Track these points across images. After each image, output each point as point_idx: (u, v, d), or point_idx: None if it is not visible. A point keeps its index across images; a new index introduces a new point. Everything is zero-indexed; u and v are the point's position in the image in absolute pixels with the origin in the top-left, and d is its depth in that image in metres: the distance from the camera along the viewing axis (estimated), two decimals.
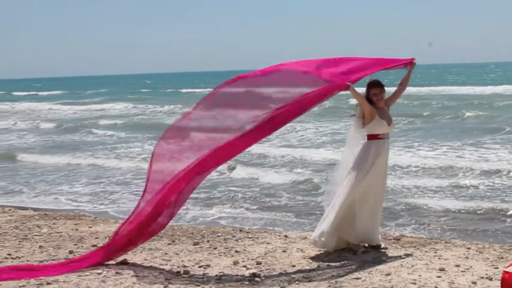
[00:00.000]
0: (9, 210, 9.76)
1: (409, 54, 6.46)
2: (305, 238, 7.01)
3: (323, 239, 6.19)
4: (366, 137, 6.28)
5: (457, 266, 5.67)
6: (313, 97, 5.87)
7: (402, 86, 6.44)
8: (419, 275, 5.37)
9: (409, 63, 6.32)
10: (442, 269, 5.54)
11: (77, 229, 7.83)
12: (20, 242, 7.03)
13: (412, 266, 5.68)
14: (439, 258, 5.94)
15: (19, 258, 6.22)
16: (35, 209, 10.23)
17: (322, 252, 6.26)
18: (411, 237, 7.23)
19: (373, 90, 6.16)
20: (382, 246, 6.36)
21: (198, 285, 5.23)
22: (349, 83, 5.90)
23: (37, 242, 6.99)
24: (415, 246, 6.45)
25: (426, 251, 6.23)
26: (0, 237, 7.29)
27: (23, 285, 5.17)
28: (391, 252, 6.20)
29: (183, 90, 60.58)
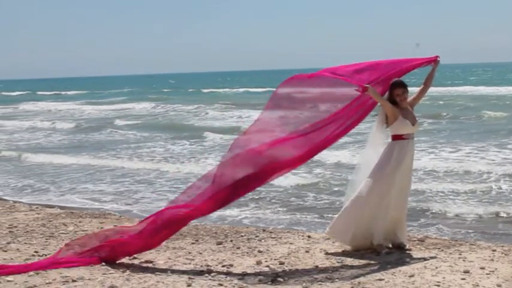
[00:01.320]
0: (37, 208, 9.92)
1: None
2: (328, 239, 7.01)
3: (341, 235, 6.22)
4: (390, 138, 6.27)
5: (482, 268, 5.62)
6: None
7: (426, 85, 6.41)
8: (444, 277, 5.34)
9: (433, 61, 6.31)
10: (466, 271, 5.50)
11: (102, 227, 7.91)
12: (46, 239, 7.14)
13: (436, 268, 5.65)
14: (463, 260, 5.90)
15: (45, 255, 6.31)
16: (61, 207, 10.39)
17: (345, 252, 6.27)
18: (435, 238, 7.20)
19: (396, 90, 6.16)
20: (406, 247, 6.34)
21: (221, 285, 5.26)
22: (367, 85, 5.94)
23: (63, 240, 7.08)
24: (439, 248, 6.42)
25: (451, 253, 6.19)
26: (28, 234, 7.42)
27: (49, 283, 5.25)
28: (415, 254, 6.17)
29: (205, 90, 60.82)
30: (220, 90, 61.25)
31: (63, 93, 69.80)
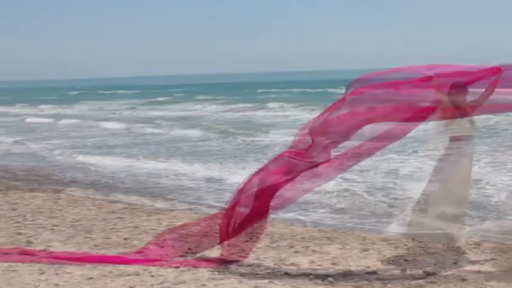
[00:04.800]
0: (100, 203, 10.24)
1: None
2: (383, 240, 6.97)
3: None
4: (448, 139, 6.21)
5: None
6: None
7: (488, 91, 6.24)
8: (497, 282, 5.24)
9: (497, 73, 6.14)
10: None
11: (160, 223, 8.12)
12: (106, 233, 7.39)
13: (491, 272, 5.54)
14: None
15: (105, 249, 6.55)
16: (123, 203, 10.68)
17: (398, 255, 6.23)
18: (493, 242, 7.03)
19: (450, 90, 6.12)
20: (462, 250, 6.24)
21: (271, 283, 5.33)
22: (433, 76, 5.93)
23: (123, 235, 7.32)
24: (495, 252, 6.28)
25: (507, 258, 6.05)
26: (89, 228, 7.69)
27: (105, 275, 5.45)
28: (470, 257, 6.08)
29: (259, 90, 60.95)
30: (275, 90, 61.36)
31: (120, 91, 71.61)
